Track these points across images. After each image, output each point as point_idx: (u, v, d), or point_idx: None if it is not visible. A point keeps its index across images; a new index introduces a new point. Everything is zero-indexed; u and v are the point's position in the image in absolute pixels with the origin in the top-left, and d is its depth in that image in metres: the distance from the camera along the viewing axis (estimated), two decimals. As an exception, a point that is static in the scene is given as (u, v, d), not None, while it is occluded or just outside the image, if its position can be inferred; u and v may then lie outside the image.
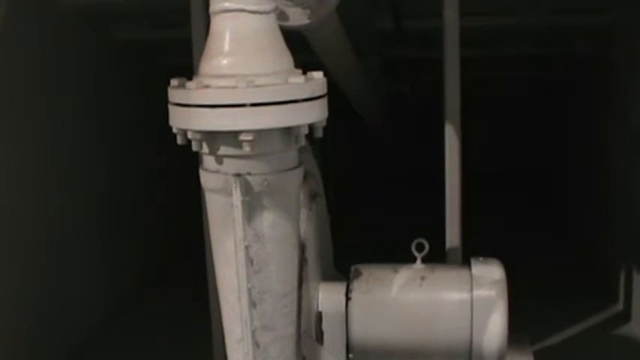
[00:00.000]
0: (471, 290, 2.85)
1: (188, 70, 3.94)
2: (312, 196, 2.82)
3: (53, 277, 4.76)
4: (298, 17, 2.97)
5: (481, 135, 7.43)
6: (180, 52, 4.84)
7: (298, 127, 2.02)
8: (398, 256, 3.09)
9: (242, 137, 1.95)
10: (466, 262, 3.03)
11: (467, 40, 3.92)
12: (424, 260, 2.99)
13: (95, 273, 5.39)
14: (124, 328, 5.46)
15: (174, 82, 2.09)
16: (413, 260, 3.00)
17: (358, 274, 2.97)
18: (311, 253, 2.73)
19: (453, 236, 3.91)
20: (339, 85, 4.26)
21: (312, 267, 2.77)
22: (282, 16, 2.33)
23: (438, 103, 4.67)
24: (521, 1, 5.29)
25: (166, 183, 6.85)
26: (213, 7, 2.04)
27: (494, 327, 2.82)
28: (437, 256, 3.33)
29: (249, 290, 2.13)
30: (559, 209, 7.99)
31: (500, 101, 9.07)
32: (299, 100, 2.00)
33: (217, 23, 2.04)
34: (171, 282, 6.32)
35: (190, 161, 3.79)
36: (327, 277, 2.99)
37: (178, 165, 5.92)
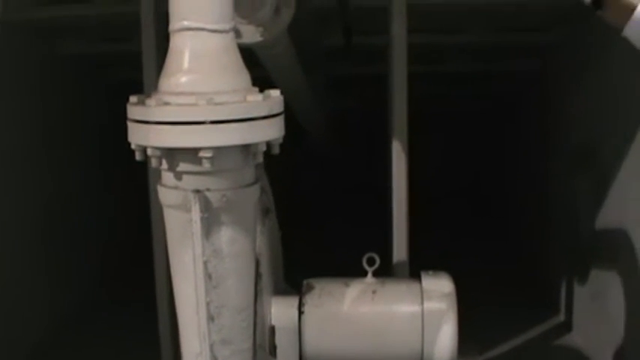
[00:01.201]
0: (422, 303, 2.90)
1: (135, 85, 3.97)
2: (265, 212, 2.85)
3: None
4: (251, 35, 3.01)
5: (427, 150, 7.51)
6: (128, 67, 4.85)
7: (257, 144, 2.05)
8: (349, 270, 3.14)
9: (202, 154, 1.97)
10: (416, 276, 3.08)
11: (413, 56, 3.99)
12: (375, 274, 3.03)
13: (39, 286, 5.35)
14: (70, 343, 5.42)
15: (133, 98, 2.10)
16: (364, 274, 3.04)
17: (310, 288, 3.01)
18: (265, 268, 2.76)
19: (400, 250, 3.97)
20: (287, 101, 4.29)
21: (266, 281, 2.81)
22: (235, 33, 2.35)
23: (383, 118, 4.73)
24: (467, 19, 5.38)
25: (111, 195, 6.82)
26: (173, 25, 2.05)
27: (445, 338, 2.87)
28: (387, 268, 3.39)
29: (208, 305, 2.15)
30: (503, 222, 8.10)
31: (446, 117, 9.18)
32: (257, 118, 2.03)
33: (177, 41, 2.05)
34: (116, 296, 6.29)
35: (135, 174, 3.81)
36: (279, 291, 3.02)
37: (123, 178, 5.94)
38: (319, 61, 5.18)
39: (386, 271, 3.42)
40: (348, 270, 3.12)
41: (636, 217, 4.17)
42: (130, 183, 5.38)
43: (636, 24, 2.15)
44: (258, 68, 2.85)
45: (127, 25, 4.43)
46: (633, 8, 2.16)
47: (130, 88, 2.66)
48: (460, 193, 9.36)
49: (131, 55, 4.36)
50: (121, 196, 6.89)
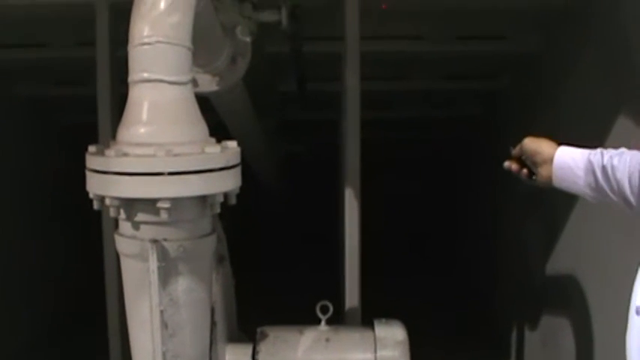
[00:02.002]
0: (375, 351, 2.92)
1: (88, 128, 3.97)
2: (220, 260, 2.87)
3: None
4: (207, 84, 3.05)
5: (378, 196, 7.55)
6: (79, 110, 4.84)
7: (214, 195, 2.07)
8: (300, 316, 3.16)
9: (160, 205, 1.99)
10: (369, 323, 3.11)
11: (364, 102, 4.05)
12: (328, 321, 3.05)
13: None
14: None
15: (92, 148, 2.11)
16: (317, 320, 3.06)
17: (264, 336, 3.02)
18: (219, 316, 2.78)
19: (352, 297, 3.99)
20: (240, 145, 4.33)
21: (221, 329, 2.82)
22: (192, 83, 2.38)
23: (334, 163, 4.77)
24: (416, 67, 5.47)
25: (63, 242, 6.76)
26: (133, 76, 2.07)
27: (398, 387, 2.90)
28: (339, 313, 3.42)
29: (164, 354, 2.15)
30: (453, 266, 8.16)
31: (395, 161, 9.26)
32: (215, 169, 2.05)
33: (136, 92, 2.07)
34: (69, 345, 6.22)
35: (88, 224, 3.80)
36: (233, 339, 3.03)
37: (76, 225, 5.89)
38: (272, 107, 5.23)
39: (338, 317, 3.45)
40: (300, 316, 3.14)
41: (587, 262, 4.22)
42: (82, 230, 5.34)
43: (559, 169, 2.28)
44: (211, 113, 2.89)
45: (82, 69, 4.44)
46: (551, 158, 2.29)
47: (83, 131, 2.68)
48: (411, 237, 9.41)
49: (85, 98, 4.36)
50: (72, 243, 6.83)
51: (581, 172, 2.24)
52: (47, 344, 6.08)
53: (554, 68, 4.62)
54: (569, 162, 2.28)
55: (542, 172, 2.36)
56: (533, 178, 2.43)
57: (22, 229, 5.90)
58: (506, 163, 2.50)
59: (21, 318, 5.82)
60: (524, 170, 2.46)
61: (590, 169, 2.21)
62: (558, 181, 2.32)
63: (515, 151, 2.46)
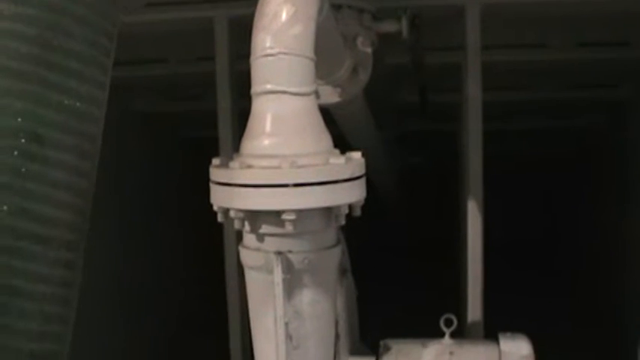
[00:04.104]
0: (501, 365, 2.87)
1: (209, 142, 4.02)
2: (343, 272, 2.85)
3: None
4: (329, 95, 3.05)
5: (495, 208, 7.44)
6: (200, 125, 4.89)
7: (339, 206, 2.05)
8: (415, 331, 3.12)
9: (284, 216, 1.98)
10: (493, 337, 3.05)
11: (485, 114, 3.99)
12: (451, 335, 3.01)
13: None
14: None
15: (215, 161, 2.13)
16: (439, 335, 3.01)
17: (387, 349, 2.99)
18: (342, 328, 2.76)
19: (475, 311, 3.94)
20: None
21: (343, 342, 2.80)
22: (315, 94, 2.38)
23: (453, 175, 4.71)
24: (539, 77, 5.37)
25: (183, 257, 6.87)
26: (255, 88, 2.08)
27: (524, 402, 2.83)
28: (461, 329, 3.35)
29: (288, 366, 2.15)
30: (573, 280, 7.99)
31: (517, 175, 9.13)
32: (340, 181, 2.03)
33: (259, 104, 2.07)
34: (188, 353, 6.31)
35: (204, 234, 3.84)
36: (355, 352, 3.01)
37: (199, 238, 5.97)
38: (392, 119, 5.21)
39: (460, 332, 3.40)
40: (421, 330, 3.10)
41: None
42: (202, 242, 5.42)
43: None
44: (331, 125, 2.89)
45: (201, 84, 4.50)
46: None
47: (204, 145, 2.70)
48: (529, 249, 9.26)
49: (206, 113, 4.42)
50: (193, 256, 6.94)
51: None
52: (169, 355, 6.18)
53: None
54: None
55: None
56: None
57: (150, 241, 6.02)
58: None
59: (144, 327, 5.93)
60: None
61: None
62: None
63: None
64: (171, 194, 6.50)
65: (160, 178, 6.38)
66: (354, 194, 2.08)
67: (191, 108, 5.80)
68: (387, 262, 9.01)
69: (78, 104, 1.44)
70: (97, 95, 1.53)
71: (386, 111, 4.66)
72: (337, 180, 2.03)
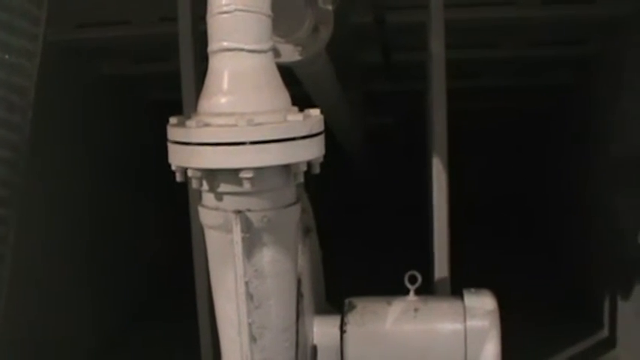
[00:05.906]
0: (465, 321, 2.87)
1: (173, 104, 3.99)
2: (306, 231, 2.84)
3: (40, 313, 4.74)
4: (290, 54, 3.02)
5: (464, 166, 7.45)
6: (163, 87, 4.85)
7: (297, 164, 2.04)
8: (384, 287, 3.12)
9: (242, 175, 1.96)
10: (458, 293, 3.06)
11: (450, 72, 3.97)
12: (417, 292, 3.01)
13: (84, 305, 5.38)
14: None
15: (173, 120, 2.10)
16: (405, 292, 3.02)
17: (352, 307, 2.99)
18: (306, 287, 2.75)
19: (441, 268, 3.94)
20: (325, 118, 4.30)
21: (308, 301, 2.80)
22: (274, 52, 2.36)
23: (421, 135, 4.70)
24: (503, 34, 5.36)
25: (152, 216, 6.86)
26: (212, 46, 2.05)
27: (488, 356, 2.85)
28: (428, 286, 3.37)
29: (250, 325, 2.14)
30: (542, 237, 8.04)
31: (484, 133, 9.15)
32: (298, 138, 2.01)
33: (216, 62, 2.05)
34: (157, 315, 6.31)
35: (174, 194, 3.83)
36: (321, 310, 3.01)
37: (163, 198, 5.96)
38: (357, 78, 5.18)
39: (427, 289, 3.40)
40: (388, 287, 3.11)
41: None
42: (169, 203, 5.41)
43: None
44: (296, 86, 2.86)
45: (164, 45, 4.46)
46: None
47: (168, 107, 2.67)
48: (498, 208, 9.29)
49: (169, 75, 4.38)
50: (162, 217, 6.93)
51: None
52: (143, 317, 6.20)
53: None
54: None
55: None
56: None
57: (113, 204, 6.00)
58: None
59: (117, 291, 5.94)
60: None
61: None
62: None
63: None
64: (138, 156, 6.47)
65: (128, 141, 6.35)
66: (312, 151, 2.07)
67: (156, 70, 5.75)
68: (355, 222, 9.03)
69: (7, 56, 1.40)
70: (27, 47, 1.49)
71: (351, 71, 4.64)
72: (295, 137, 2.01)
